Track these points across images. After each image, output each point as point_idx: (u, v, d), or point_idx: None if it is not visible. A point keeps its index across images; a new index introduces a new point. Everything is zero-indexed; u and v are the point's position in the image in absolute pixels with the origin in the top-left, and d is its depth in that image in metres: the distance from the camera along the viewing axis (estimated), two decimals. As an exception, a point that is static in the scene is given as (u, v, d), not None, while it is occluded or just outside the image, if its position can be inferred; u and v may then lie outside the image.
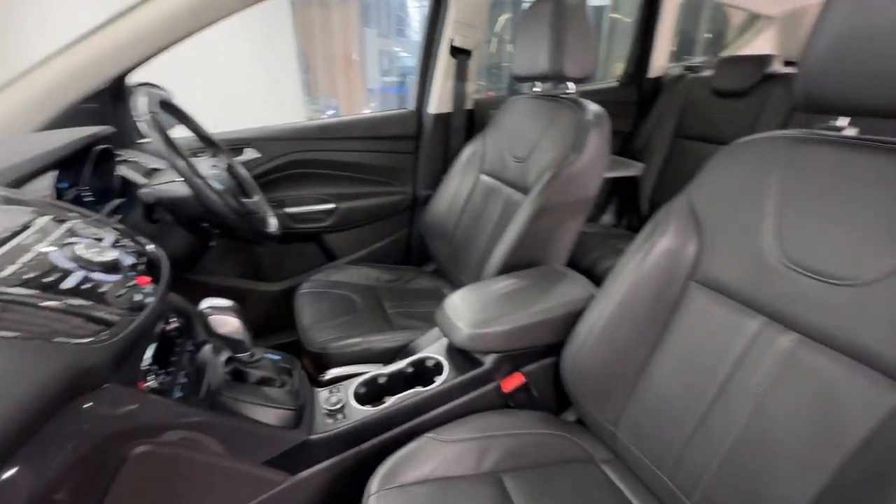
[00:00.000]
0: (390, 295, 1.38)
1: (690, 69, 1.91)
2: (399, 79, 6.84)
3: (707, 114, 1.73)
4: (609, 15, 5.16)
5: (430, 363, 0.95)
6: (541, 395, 0.97)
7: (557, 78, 1.16)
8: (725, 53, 2.04)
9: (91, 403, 0.51)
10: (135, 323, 0.56)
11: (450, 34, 1.48)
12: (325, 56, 6.72)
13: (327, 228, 1.60)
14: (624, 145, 2.06)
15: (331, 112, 5.95)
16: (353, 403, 0.86)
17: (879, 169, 0.58)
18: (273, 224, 1.15)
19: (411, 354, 0.98)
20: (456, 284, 1.36)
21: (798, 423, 0.60)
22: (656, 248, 0.78)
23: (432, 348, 0.99)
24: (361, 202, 1.62)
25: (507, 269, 1.13)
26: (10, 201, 0.65)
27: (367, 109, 6.64)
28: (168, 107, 0.99)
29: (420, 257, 1.74)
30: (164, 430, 0.61)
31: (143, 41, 1.07)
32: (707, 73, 1.78)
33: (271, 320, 1.54)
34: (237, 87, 4.15)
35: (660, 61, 1.93)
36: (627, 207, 2.08)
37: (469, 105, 1.62)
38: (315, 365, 1.11)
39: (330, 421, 0.82)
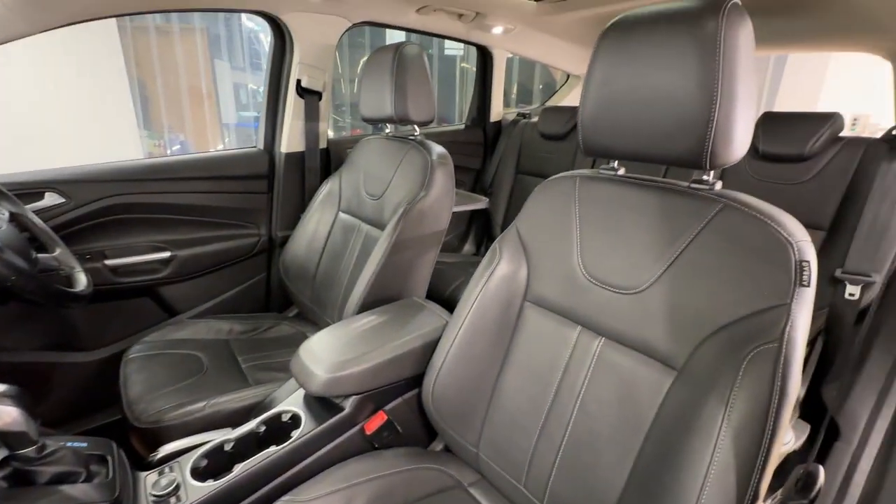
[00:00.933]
0: (245, 347, 1.26)
1: (523, 115, 2.21)
2: (257, 113, 6.51)
3: (538, 153, 2.02)
4: (461, 64, 5.73)
5: (285, 417, 0.88)
6: (407, 430, 0.97)
7: (402, 121, 1.23)
8: (550, 103, 2.42)
9: None
10: None
11: (296, 74, 1.47)
12: (169, 88, 6.10)
13: (164, 280, 1.41)
14: (476, 180, 2.26)
15: (176, 147, 5.36)
16: (191, 481, 0.75)
17: (643, 200, 0.74)
18: (82, 281, 0.97)
19: (268, 411, 0.90)
20: (321, 327, 1.31)
21: (610, 414, 0.70)
22: (495, 275, 0.86)
23: (289, 401, 0.93)
24: (206, 248, 1.46)
25: (367, 305, 1.13)
26: None
27: (221, 145, 6.14)
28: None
29: (282, 302, 1.63)
30: None
31: None
32: (535, 119, 2.09)
33: (89, 398, 1.28)
34: (54, 120, 3.49)
35: (497, 108, 2.20)
36: (484, 237, 2.27)
37: (323, 144, 1.61)
38: (146, 444, 0.94)
39: None
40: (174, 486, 0.73)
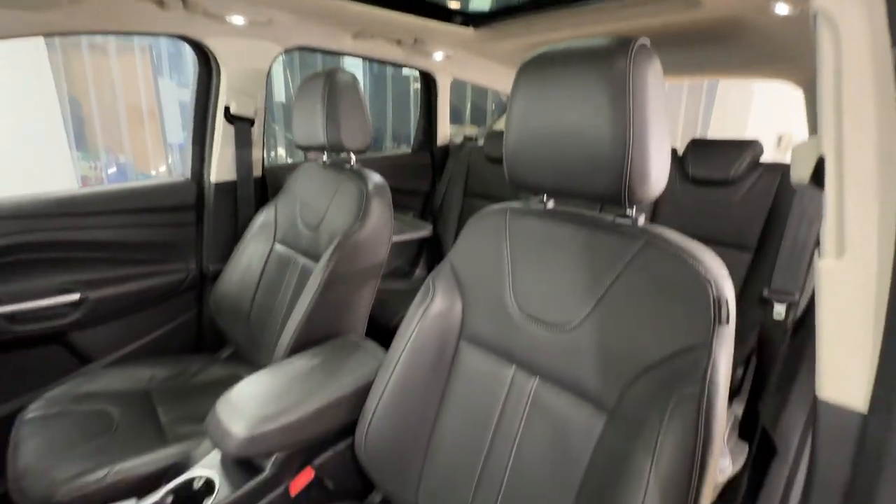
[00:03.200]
0: (168, 397, 1.14)
1: (469, 139, 2.22)
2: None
3: (485, 176, 2.02)
4: (415, 86, 5.78)
5: (197, 484, 0.79)
6: (340, 486, 0.90)
7: (336, 149, 1.18)
8: (497, 126, 2.45)
9: None
10: None
11: (224, 101, 1.39)
12: (106, 107, 5.78)
13: (73, 324, 1.27)
14: (425, 204, 2.24)
15: (113, 170, 5.05)
16: None
17: (570, 236, 0.72)
18: None
19: (183, 473, 0.81)
20: (256, 368, 1.21)
21: (545, 462, 0.67)
22: (429, 313, 0.82)
23: (203, 462, 0.83)
24: (125, 286, 1.34)
25: (300, 345, 1.06)
26: None
27: (164, 166, 5.85)
28: None
29: (214, 342, 1.51)
30: None
31: None
32: (481, 142, 2.10)
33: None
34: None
35: (444, 132, 2.19)
36: (436, 261, 2.24)
37: (258, 172, 1.54)
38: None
39: None
40: None
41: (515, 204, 0.83)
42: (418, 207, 2.22)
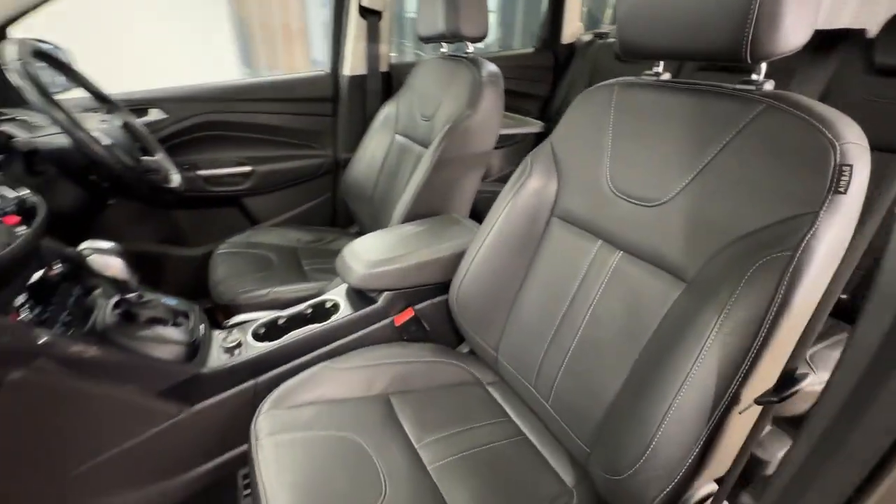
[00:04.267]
0: (309, 254, 1.43)
1: (599, 36, 2.01)
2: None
3: (611, 77, 1.85)
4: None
5: (328, 304, 1.02)
6: (435, 330, 1.06)
7: (455, 37, 1.21)
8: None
9: None
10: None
11: (358, -7, 1.49)
12: (265, 26, 6.42)
13: (246, 192, 1.61)
14: (543, 109, 2.16)
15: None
16: (251, 341, 0.92)
17: (680, 104, 0.68)
18: (176, 180, 1.16)
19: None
20: None
21: (617, 323, 0.71)
22: (524, 189, 0.87)
23: (333, 292, 1.06)
24: (280, 165, 1.63)
25: (409, 218, 1.21)
26: None
27: (311, 82, 6.39)
28: (47, 58, 0.97)
29: (345, 220, 1.78)
30: (39, 357, 0.64)
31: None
32: (612, 39, 1.89)
33: (192, 285, 1.55)
34: (167, 58, 3.93)
35: (572, 28, 2.02)
36: None
37: (385, 67, 1.65)
38: (224, 316, 1.15)
39: (226, 356, 0.88)
40: (237, 343, 0.90)
41: (626, 78, 0.80)
42: (535, 113, 2.16)
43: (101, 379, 0.73)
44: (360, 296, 1.02)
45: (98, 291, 0.83)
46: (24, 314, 0.66)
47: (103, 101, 1.14)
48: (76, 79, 1.06)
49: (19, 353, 0.62)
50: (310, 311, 1.01)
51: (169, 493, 0.86)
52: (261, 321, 0.97)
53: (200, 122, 1.49)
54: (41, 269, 0.74)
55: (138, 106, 1.37)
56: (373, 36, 1.55)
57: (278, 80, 1.61)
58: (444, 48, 1.38)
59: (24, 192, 0.76)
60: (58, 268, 0.78)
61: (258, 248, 1.41)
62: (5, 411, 0.62)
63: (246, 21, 6.14)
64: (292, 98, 1.60)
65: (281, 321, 0.98)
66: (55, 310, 0.72)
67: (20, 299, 0.67)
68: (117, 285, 0.78)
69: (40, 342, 0.64)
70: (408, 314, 1.01)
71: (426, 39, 1.35)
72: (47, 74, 0.98)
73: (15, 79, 0.82)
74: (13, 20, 1.06)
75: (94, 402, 0.73)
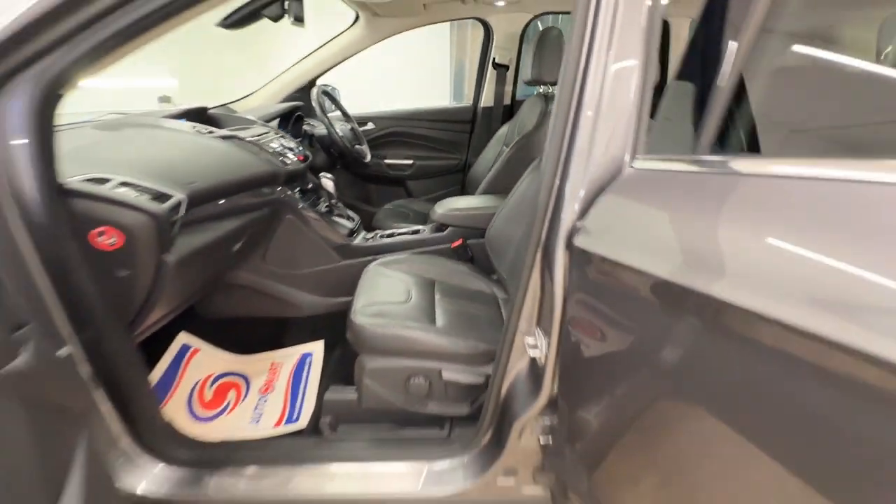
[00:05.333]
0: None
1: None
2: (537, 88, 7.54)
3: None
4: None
5: (420, 230, 1.81)
6: (477, 258, 1.73)
7: (538, 81, 1.88)
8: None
9: (274, 189, 1.51)
10: (292, 167, 1.57)
11: (493, 54, 2.28)
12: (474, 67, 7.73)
13: (408, 176, 2.56)
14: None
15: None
16: (379, 238, 1.77)
17: None
18: (368, 157, 2.14)
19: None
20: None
21: None
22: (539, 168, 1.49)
23: (426, 229, 1.84)
24: (430, 162, 2.54)
25: (485, 191, 1.91)
26: (253, 122, 1.74)
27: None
28: (326, 94, 2.05)
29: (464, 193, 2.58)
30: (299, 212, 1.61)
31: (323, 62, 2.16)
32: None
33: (367, 224, 2.58)
34: (400, 91, 5.44)
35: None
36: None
37: (508, 101, 2.39)
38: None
39: (366, 242, 1.75)
40: (375, 236, 1.76)
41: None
42: None
43: (314, 230, 1.67)
44: (438, 228, 1.78)
45: (323, 194, 1.81)
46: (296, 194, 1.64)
47: (345, 115, 2.21)
48: (336, 104, 2.14)
49: (288, 207, 1.59)
50: (410, 232, 1.81)
51: (321, 305, 1.76)
52: (386, 231, 1.83)
53: (389, 131, 2.50)
54: (305, 182, 1.73)
55: (361, 119, 2.46)
56: (500, 81, 2.31)
57: (439, 108, 2.52)
58: (541, 89, 2.03)
59: (306, 150, 1.78)
60: (312, 183, 1.78)
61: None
62: (284, 232, 1.59)
63: (461, 61, 7.60)
64: (445, 119, 2.49)
65: (396, 233, 1.81)
66: (307, 198, 1.70)
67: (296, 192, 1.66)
68: (329, 195, 1.73)
69: (299, 207, 1.60)
70: (459, 242, 1.72)
71: (527, 82, 2.03)
72: (326, 101, 2.07)
73: (314, 103, 1.88)
74: (320, 75, 2.20)
75: (309, 240, 1.67)
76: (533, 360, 0.91)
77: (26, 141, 0.70)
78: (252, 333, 1.62)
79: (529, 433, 0.92)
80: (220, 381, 1.42)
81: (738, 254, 0.48)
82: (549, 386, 0.84)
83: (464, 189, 2.61)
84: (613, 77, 0.71)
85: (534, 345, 0.86)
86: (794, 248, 0.42)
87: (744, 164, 0.56)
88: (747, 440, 0.44)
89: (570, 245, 0.75)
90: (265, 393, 1.38)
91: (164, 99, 5.01)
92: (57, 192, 0.76)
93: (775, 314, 0.39)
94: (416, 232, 1.81)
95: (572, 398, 0.80)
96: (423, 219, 2.18)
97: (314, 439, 1.20)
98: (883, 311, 0.34)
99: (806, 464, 0.39)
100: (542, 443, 0.91)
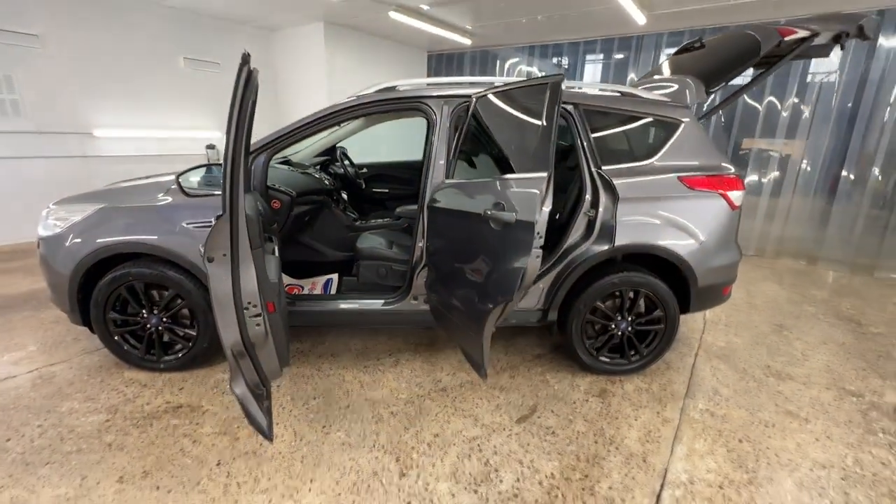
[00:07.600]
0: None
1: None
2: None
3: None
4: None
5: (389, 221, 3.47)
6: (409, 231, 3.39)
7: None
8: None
9: (320, 194, 3.19)
10: (329, 186, 3.26)
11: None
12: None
13: (386, 198, 4.25)
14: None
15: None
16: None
17: None
18: (363, 185, 3.84)
19: None
20: None
21: None
22: None
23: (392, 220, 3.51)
24: (399, 191, 4.24)
25: None
26: (308, 167, 3.44)
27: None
28: (342, 152, 3.78)
29: None
30: (331, 207, 3.27)
31: (341, 136, 3.89)
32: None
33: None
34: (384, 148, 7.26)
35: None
36: None
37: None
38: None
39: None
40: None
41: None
42: None
43: (337, 217, 3.31)
44: (397, 219, 3.45)
45: (342, 201, 3.47)
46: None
47: (351, 163, 3.92)
48: (347, 157, 3.87)
49: (326, 204, 3.24)
50: (384, 222, 3.48)
51: (338, 256, 3.38)
52: (372, 222, 3.49)
53: (375, 172, 4.20)
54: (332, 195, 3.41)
55: (359, 165, 4.16)
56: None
57: (404, 161, 4.26)
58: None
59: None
60: (337, 195, 3.45)
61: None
62: (324, 216, 3.24)
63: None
64: (408, 167, 4.22)
65: (377, 222, 3.48)
66: (335, 202, 3.36)
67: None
68: (344, 202, 3.41)
69: (331, 205, 3.27)
70: (406, 226, 3.39)
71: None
72: (340, 155, 3.79)
73: (338, 155, 3.62)
74: (339, 141, 3.93)
75: (335, 221, 3.31)
76: (422, 250, 2.56)
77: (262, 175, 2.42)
78: (303, 269, 3.24)
79: (420, 280, 2.56)
80: (290, 286, 3.05)
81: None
82: (424, 258, 2.49)
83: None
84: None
85: (421, 246, 2.51)
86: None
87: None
88: (456, 246, 2.16)
89: (429, 206, 2.43)
90: (311, 290, 3.02)
91: (210, 146, 7.13)
92: (266, 189, 2.46)
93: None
94: (388, 221, 3.47)
95: (431, 261, 2.46)
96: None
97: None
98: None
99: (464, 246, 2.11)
100: (425, 283, 2.55)
